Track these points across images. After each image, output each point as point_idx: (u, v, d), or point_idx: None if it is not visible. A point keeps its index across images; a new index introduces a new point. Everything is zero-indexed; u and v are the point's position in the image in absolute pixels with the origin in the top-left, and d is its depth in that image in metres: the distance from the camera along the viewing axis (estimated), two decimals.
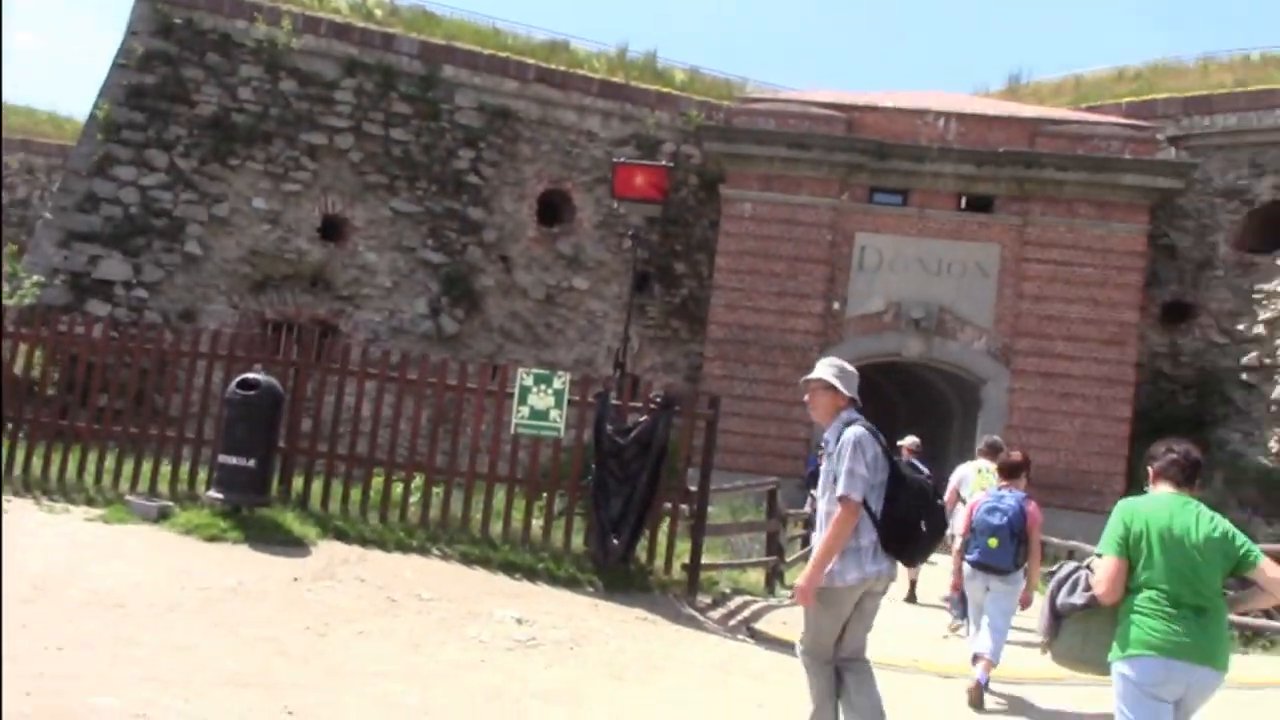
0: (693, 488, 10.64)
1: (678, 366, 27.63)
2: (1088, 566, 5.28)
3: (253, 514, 10.06)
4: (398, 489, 10.89)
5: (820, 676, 6.18)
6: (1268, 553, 5.43)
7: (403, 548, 10.12)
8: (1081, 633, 5.23)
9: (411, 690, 6.98)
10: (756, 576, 12.90)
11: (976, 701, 8.21)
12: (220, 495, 10.02)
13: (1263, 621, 12.19)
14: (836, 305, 25.56)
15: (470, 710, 6.79)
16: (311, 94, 24.80)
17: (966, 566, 8.75)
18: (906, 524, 6.05)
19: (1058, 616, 5.32)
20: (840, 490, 5.92)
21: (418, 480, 11.01)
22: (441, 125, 25.83)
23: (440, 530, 10.51)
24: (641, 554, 10.34)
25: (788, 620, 10.35)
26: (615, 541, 10.01)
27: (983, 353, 25.07)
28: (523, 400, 10.59)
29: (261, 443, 10.10)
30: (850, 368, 6.44)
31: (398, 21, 27.25)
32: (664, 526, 10.69)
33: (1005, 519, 8.49)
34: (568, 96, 26.88)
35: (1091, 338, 24.45)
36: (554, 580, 9.98)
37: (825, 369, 6.37)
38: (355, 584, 9.13)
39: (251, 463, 10.01)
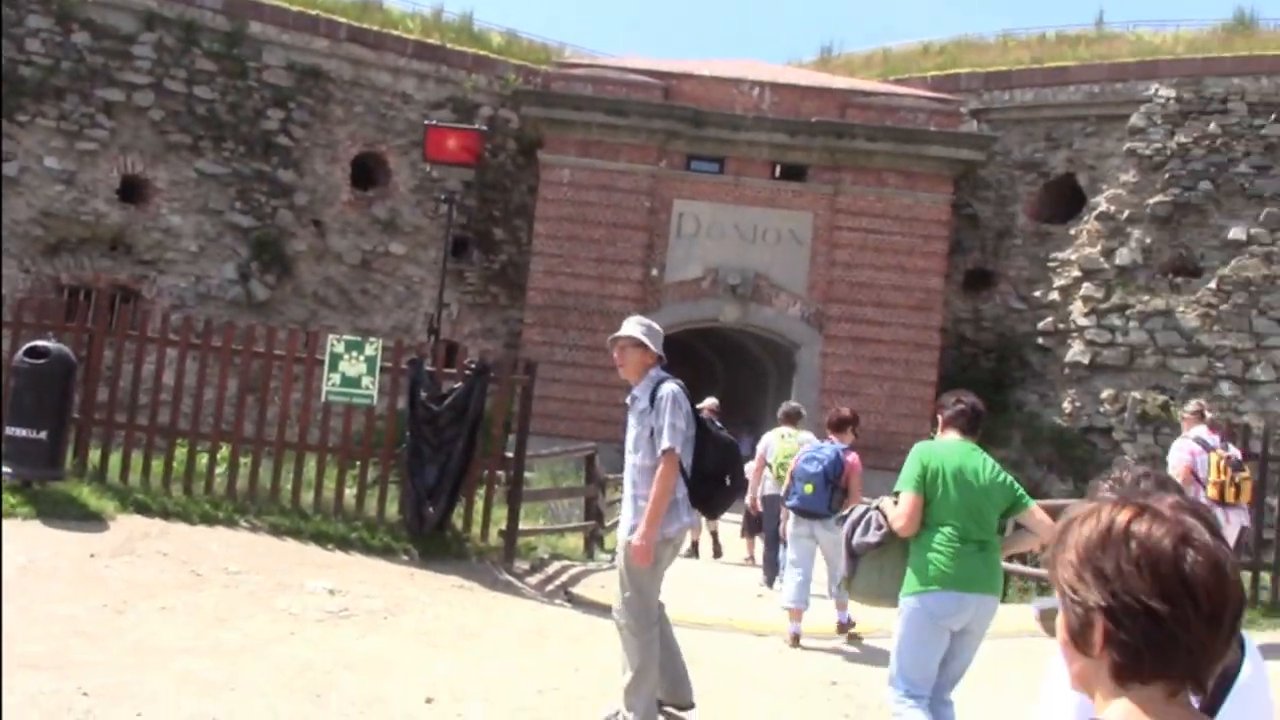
0: (510, 454, 10.58)
1: (497, 333, 27.46)
2: (878, 508, 5.59)
3: (45, 489, 9.56)
4: (203, 460, 10.50)
5: (649, 637, 6.26)
6: (1044, 507, 5.95)
7: (208, 520, 9.78)
8: (877, 569, 5.61)
9: (217, 666, 6.76)
10: (575, 541, 12.94)
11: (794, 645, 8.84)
12: (8, 470, 9.49)
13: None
14: (655, 272, 25.76)
15: (279, 684, 6.62)
16: (107, 48, 23.58)
17: (791, 515, 9.35)
18: (713, 478, 6.32)
19: (854, 556, 5.68)
20: (665, 443, 6.06)
21: (224, 450, 10.64)
22: (249, 84, 24.89)
23: (249, 501, 10.19)
24: (458, 521, 10.24)
25: (605, 584, 10.40)
26: (430, 509, 9.88)
27: (797, 318, 25.65)
28: (334, 367, 10.33)
29: (53, 414, 9.58)
30: (656, 326, 6.62)
31: None
32: (481, 493, 10.60)
33: (821, 467, 9.03)
34: (381, 57, 26.26)
35: (900, 304, 25.27)
36: (368, 550, 9.80)
37: (633, 326, 6.54)
38: (157, 559, 8.79)
39: (42, 435, 9.50)
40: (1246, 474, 9.34)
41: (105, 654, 6.65)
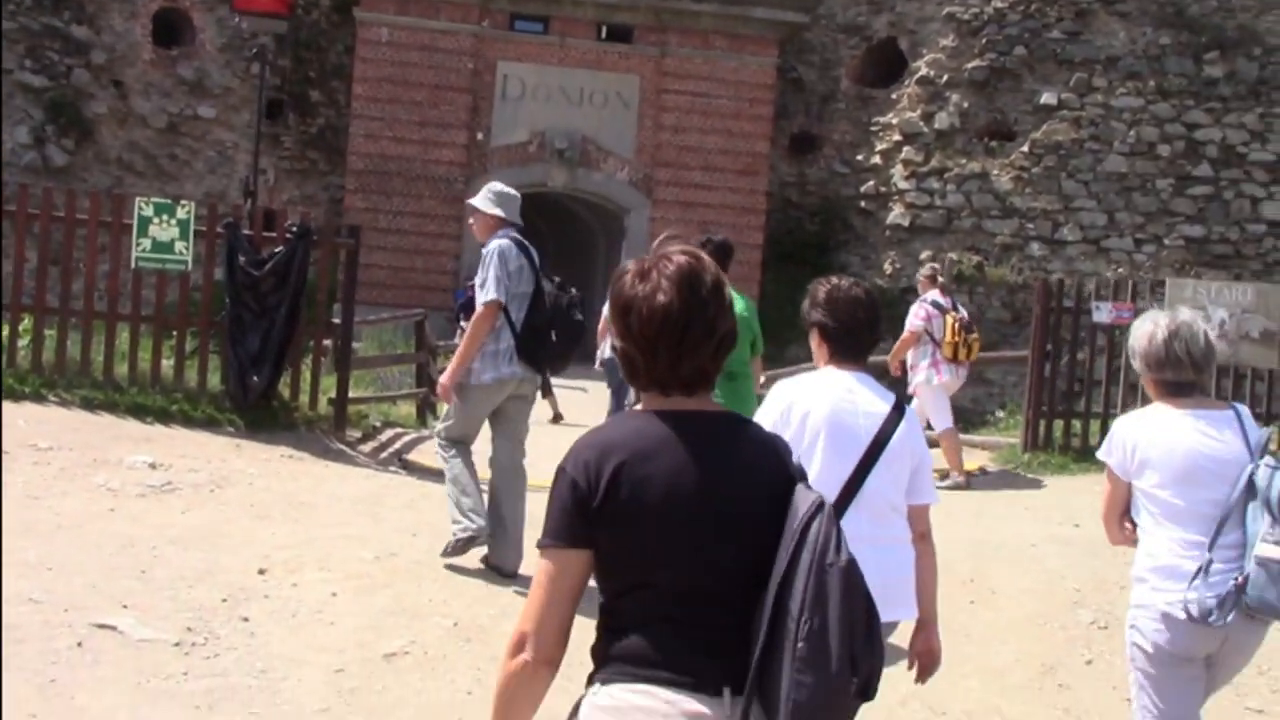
0: (337, 320, 10.21)
1: (318, 200, 26.46)
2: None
3: None
4: (3, 333, 9.82)
5: (449, 456, 6.73)
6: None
7: (13, 396, 9.17)
8: None
9: (29, 545, 6.39)
10: (408, 409, 12.71)
11: None
12: None
13: None
14: (480, 136, 25.10)
15: (99, 561, 6.30)
16: None
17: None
18: (540, 332, 6.55)
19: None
20: (483, 296, 6.43)
21: (26, 323, 9.97)
22: None
23: (57, 376, 9.60)
24: (284, 391, 9.87)
25: None
26: (255, 379, 9.48)
27: (625, 183, 25.44)
28: (143, 232, 9.72)
29: None
30: (511, 191, 6.83)
31: None
32: (307, 362, 10.23)
33: None
34: None
35: (727, 168, 25.27)
36: (190, 422, 9.38)
37: (482, 194, 6.78)
38: None
39: None
40: (976, 335, 10.10)
41: None
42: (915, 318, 9.95)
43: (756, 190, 25.44)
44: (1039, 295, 10.65)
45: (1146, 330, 3.96)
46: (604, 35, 25.47)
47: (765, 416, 3.64)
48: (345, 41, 26.08)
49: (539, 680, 2.24)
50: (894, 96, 26.15)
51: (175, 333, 10.08)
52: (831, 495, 3.41)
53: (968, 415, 23.56)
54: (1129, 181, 24.40)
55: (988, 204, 24.78)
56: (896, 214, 25.30)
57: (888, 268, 25.21)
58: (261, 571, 6.42)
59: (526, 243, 6.65)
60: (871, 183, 25.92)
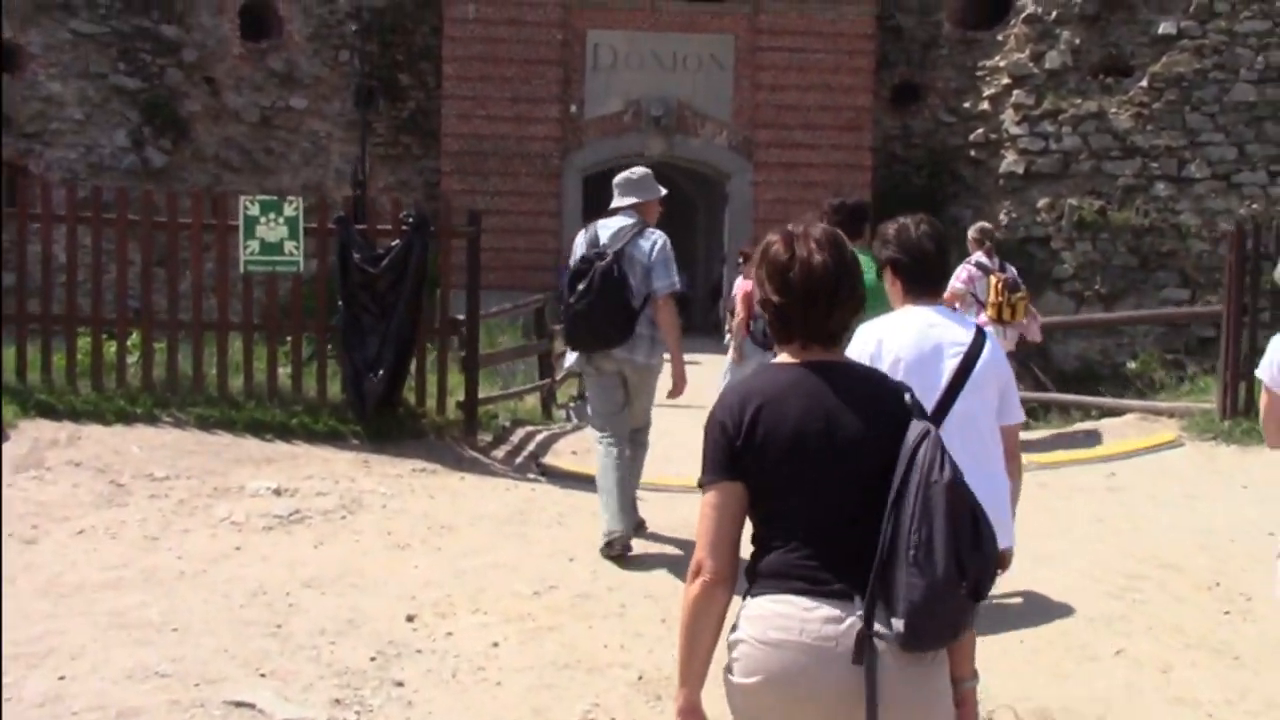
0: (460, 316, 9.27)
1: (413, 185, 25.71)
2: None
3: None
4: (111, 349, 9.04)
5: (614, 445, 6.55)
6: None
7: (125, 418, 8.39)
8: None
9: (152, 600, 5.57)
10: (533, 402, 11.79)
11: None
12: None
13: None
14: (574, 108, 24.11)
15: (228, 615, 5.45)
16: None
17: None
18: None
19: None
20: (666, 285, 6.39)
21: (135, 337, 9.19)
22: None
23: (169, 393, 8.80)
24: (410, 397, 8.96)
25: (576, 449, 9.31)
26: (372, 385, 8.56)
27: (725, 147, 24.27)
28: (250, 233, 8.86)
29: None
30: (633, 173, 6.71)
31: None
32: (432, 363, 9.31)
33: None
34: None
35: (828, 125, 23.96)
36: (312, 437, 8.50)
37: (637, 183, 6.65)
38: (69, 470, 7.47)
39: None
40: (1022, 294, 9.59)
41: (13, 599, 5.41)
42: (956, 280, 9.45)
43: (861, 146, 24.10)
44: (1233, 242, 9.34)
45: None
46: None
47: (854, 357, 3.50)
48: (431, 22, 25.25)
49: (719, 598, 2.54)
50: (1000, 38, 24.55)
51: (290, 339, 9.23)
52: None
53: (1097, 367, 22.15)
54: (1259, 111, 22.58)
55: (1106, 144, 23.14)
56: (1010, 161, 23.77)
57: (1003, 218, 23.67)
58: (410, 619, 5.51)
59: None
60: (981, 130, 24.40)
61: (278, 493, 7.26)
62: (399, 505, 7.29)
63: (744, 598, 2.57)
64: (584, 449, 8.98)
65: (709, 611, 2.53)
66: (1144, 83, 23.06)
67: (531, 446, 9.33)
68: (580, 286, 6.29)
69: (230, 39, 23.80)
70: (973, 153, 24.50)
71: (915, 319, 3.72)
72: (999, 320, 9.32)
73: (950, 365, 3.65)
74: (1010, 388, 3.80)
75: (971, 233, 10.26)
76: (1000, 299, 9.37)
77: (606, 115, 24.16)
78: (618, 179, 6.60)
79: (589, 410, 6.86)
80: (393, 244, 8.62)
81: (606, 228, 6.43)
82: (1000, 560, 3.56)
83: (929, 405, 3.43)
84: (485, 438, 9.17)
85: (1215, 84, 22.75)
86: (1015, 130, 23.78)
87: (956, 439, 3.39)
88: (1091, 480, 8.63)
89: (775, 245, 2.65)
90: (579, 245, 6.46)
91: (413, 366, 8.87)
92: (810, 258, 2.58)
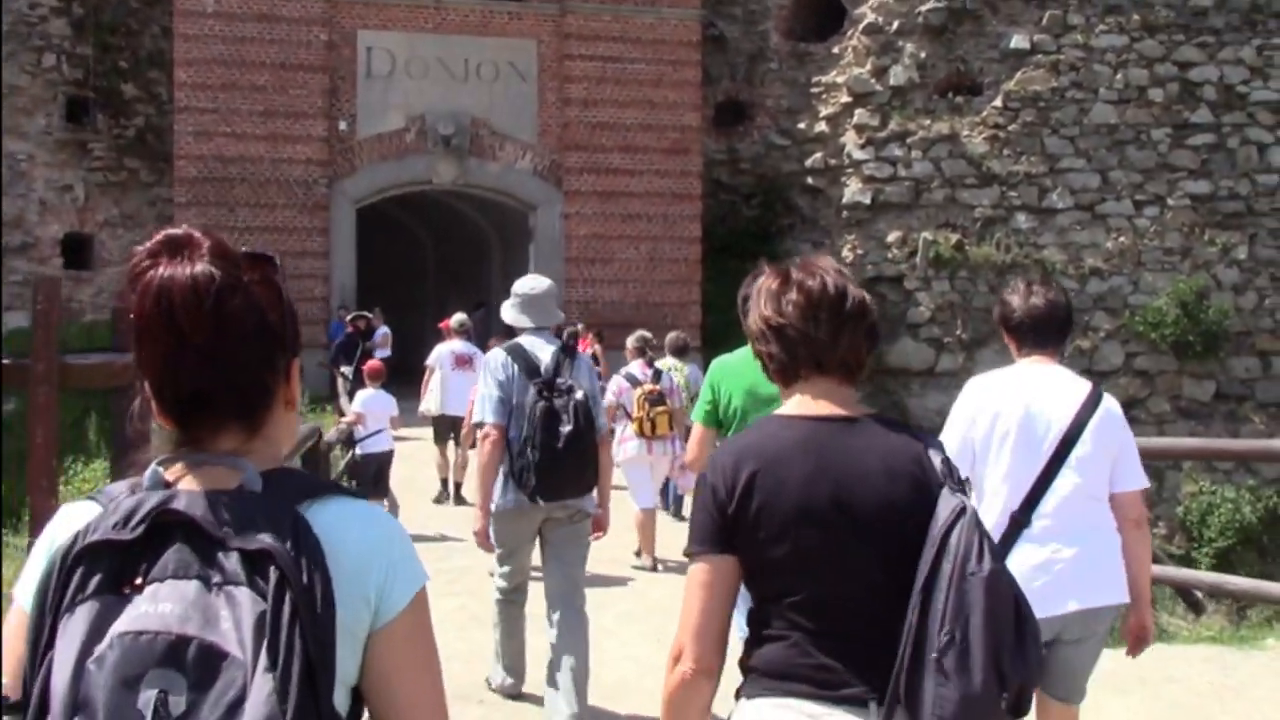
0: None
1: (143, 218, 19.71)
2: None
3: None
4: None
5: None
6: None
7: None
8: None
9: None
10: None
11: None
12: None
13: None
14: (344, 125, 18.60)
15: None
16: None
17: None
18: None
19: None
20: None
21: None
22: None
23: None
24: None
25: None
26: None
27: (529, 173, 19.23)
28: None
29: None
30: (535, 288, 5.10)
31: None
32: None
33: None
34: None
35: (651, 147, 19.28)
36: None
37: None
38: None
39: None
40: (664, 408, 8.96)
41: None
42: (610, 392, 8.99)
43: (689, 172, 19.52)
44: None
45: None
46: None
47: (957, 415, 3.30)
48: (162, 22, 19.50)
49: (701, 691, 2.05)
50: (835, 51, 20.50)
51: None
52: (1022, 491, 3.22)
53: None
54: (1121, 134, 19.22)
55: (961, 171, 19.35)
56: (854, 190, 19.66)
57: (848, 254, 19.52)
58: None
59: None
60: (819, 155, 20.24)
61: None
62: None
63: (737, 698, 2.08)
64: None
65: (690, 705, 2.03)
66: (997, 102, 19.42)
67: None
68: (565, 430, 4.88)
69: None
70: (810, 180, 20.33)
71: (1025, 379, 3.32)
72: (641, 434, 8.82)
73: (1057, 431, 3.21)
74: (1127, 452, 3.31)
75: (631, 341, 9.61)
76: (642, 413, 8.83)
77: (385, 133, 18.77)
78: (521, 293, 5.12)
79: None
80: None
81: (543, 350, 5.02)
82: (1139, 634, 3.35)
83: (1032, 473, 3.19)
84: None
85: (1074, 104, 19.29)
86: (859, 154, 19.71)
87: (1059, 506, 3.18)
88: None
89: (766, 279, 2.17)
90: (509, 368, 4.97)
91: None
92: (806, 279, 2.10)
